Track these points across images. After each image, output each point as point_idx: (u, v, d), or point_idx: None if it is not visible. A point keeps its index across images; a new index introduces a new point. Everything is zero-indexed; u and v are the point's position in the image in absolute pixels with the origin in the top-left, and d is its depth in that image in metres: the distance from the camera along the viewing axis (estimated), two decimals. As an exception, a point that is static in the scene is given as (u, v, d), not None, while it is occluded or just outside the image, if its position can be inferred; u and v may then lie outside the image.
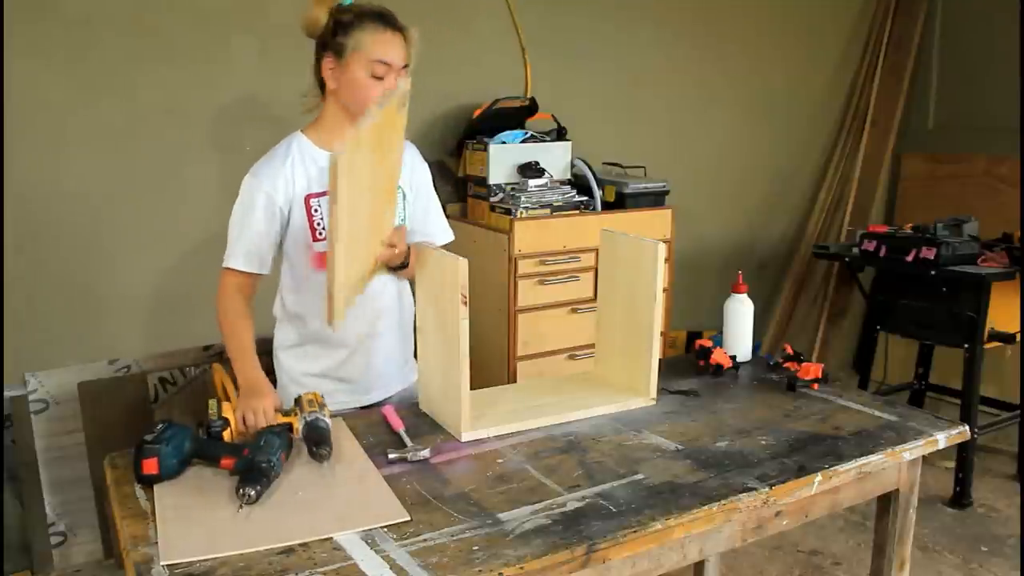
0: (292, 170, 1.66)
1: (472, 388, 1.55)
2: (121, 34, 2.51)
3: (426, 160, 1.90)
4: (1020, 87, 3.70)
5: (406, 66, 1.62)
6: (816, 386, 1.83)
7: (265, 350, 2.83)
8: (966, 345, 3.03)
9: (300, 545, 1.15)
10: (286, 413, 1.49)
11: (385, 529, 1.20)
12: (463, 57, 3.09)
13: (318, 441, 1.39)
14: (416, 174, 1.83)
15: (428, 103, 3.06)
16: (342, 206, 1.38)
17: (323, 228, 1.64)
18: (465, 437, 1.53)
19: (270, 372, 1.77)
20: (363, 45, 1.58)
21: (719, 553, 2.17)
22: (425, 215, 1.85)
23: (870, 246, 3.18)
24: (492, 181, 2.85)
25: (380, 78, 1.59)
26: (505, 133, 2.90)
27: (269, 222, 1.66)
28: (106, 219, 2.59)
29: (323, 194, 1.63)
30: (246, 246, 1.66)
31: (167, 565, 1.10)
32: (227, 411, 1.48)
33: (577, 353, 2.90)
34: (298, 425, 1.44)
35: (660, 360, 1.72)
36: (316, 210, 1.66)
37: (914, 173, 4.28)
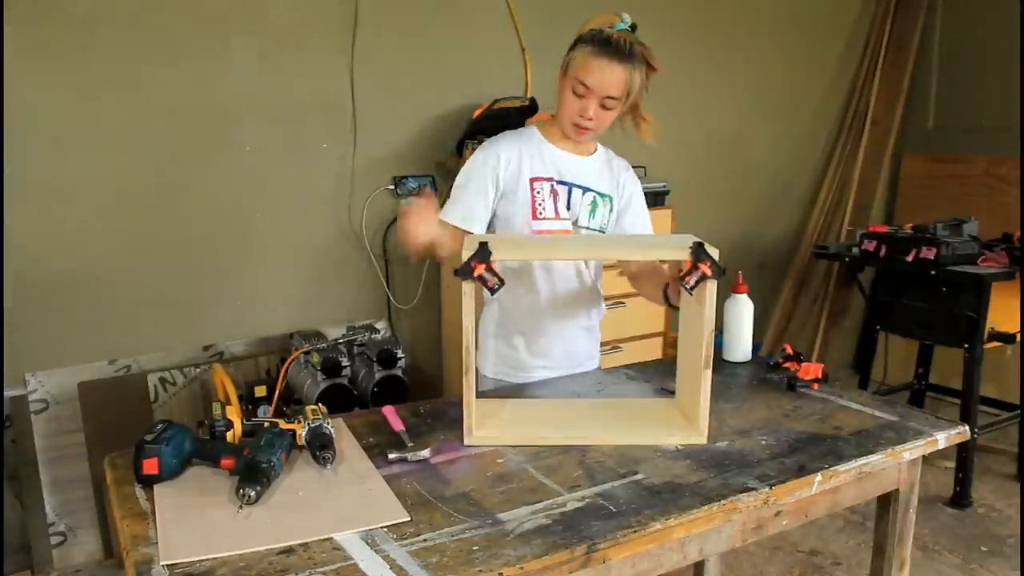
0: (520, 152, 1.82)
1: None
2: (122, 34, 2.52)
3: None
4: (1020, 87, 3.70)
5: (612, 98, 1.71)
6: (816, 386, 1.83)
7: (273, 349, 2.85)
8: (966, 345, 3.03)
9: (300, 545, 1.15)
10: (289, 421, 1.49)
11: (385, 529, 1.20)
12: (463, 57, 3.10)
13: (322, 445, 1.40)
14: (626, 188, 1.95)
15: (429, 103, 3.06)
16: None
17: (543, 208, 1.80)
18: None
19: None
20: (575, 64, 1.71)
21: (719, 553, 2.17)
22: (632, 228, 1.95)
23: (870, 246, 3.18)
24: (492, 181, 2.84)
25: (580, 97, 1.72)
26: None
27: (488, 186, 1.81)
28: (106, 218, 2.59)
29: (547, 179, 1.81)
30: (465, 206, 1.81)
31: (167, 565, 1.10)
32: (231, 413, 1.48)
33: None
34: (301, 431, 1.44)
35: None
36: (538, 192, 1.81)
37: (914, 173, 4.28)
